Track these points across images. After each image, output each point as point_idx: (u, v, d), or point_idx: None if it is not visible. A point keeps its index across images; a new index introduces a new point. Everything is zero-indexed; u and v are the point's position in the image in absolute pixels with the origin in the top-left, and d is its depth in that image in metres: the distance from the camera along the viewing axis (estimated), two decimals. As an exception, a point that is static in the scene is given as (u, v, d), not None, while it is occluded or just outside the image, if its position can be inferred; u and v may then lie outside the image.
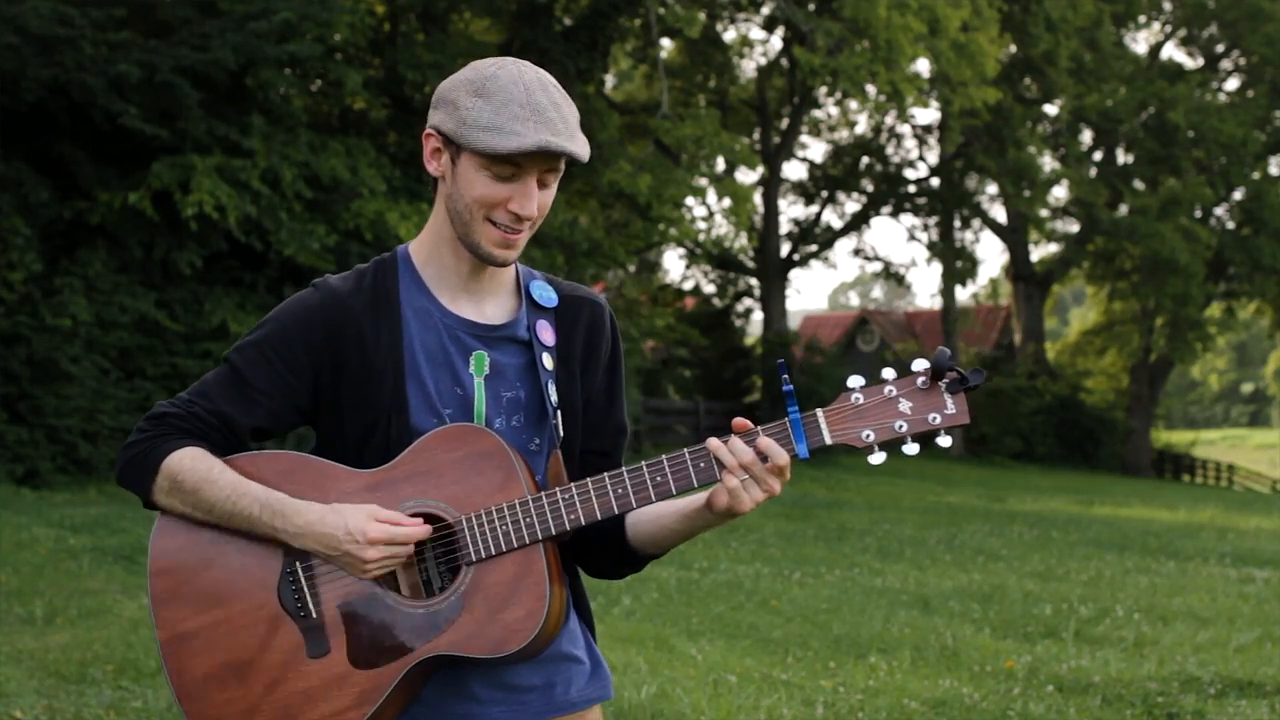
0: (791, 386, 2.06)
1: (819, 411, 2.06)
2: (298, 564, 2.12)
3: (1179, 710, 6.12)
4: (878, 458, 2.06)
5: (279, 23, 15.55)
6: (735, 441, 2.05)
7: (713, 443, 2.06)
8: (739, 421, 2.07)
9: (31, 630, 7.35)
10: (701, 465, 2.07)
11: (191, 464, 2.12)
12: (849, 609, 9.02)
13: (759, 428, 2.07)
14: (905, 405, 2.06)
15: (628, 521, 2.22)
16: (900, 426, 2.06)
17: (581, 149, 2.10)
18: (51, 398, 14.78)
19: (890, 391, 2.07)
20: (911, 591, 9.96)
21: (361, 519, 2.05)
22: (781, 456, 2.04)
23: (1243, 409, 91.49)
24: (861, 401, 2.07)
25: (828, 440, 2.06)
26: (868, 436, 2.06)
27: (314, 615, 2.11)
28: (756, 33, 32.59)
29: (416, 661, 2.08)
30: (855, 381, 2.07)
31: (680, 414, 28.97)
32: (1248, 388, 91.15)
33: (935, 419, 2.06)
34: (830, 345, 39.24)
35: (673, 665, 6.86)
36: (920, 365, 2.07)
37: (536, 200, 2.11)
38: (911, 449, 2.07)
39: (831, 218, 37.15)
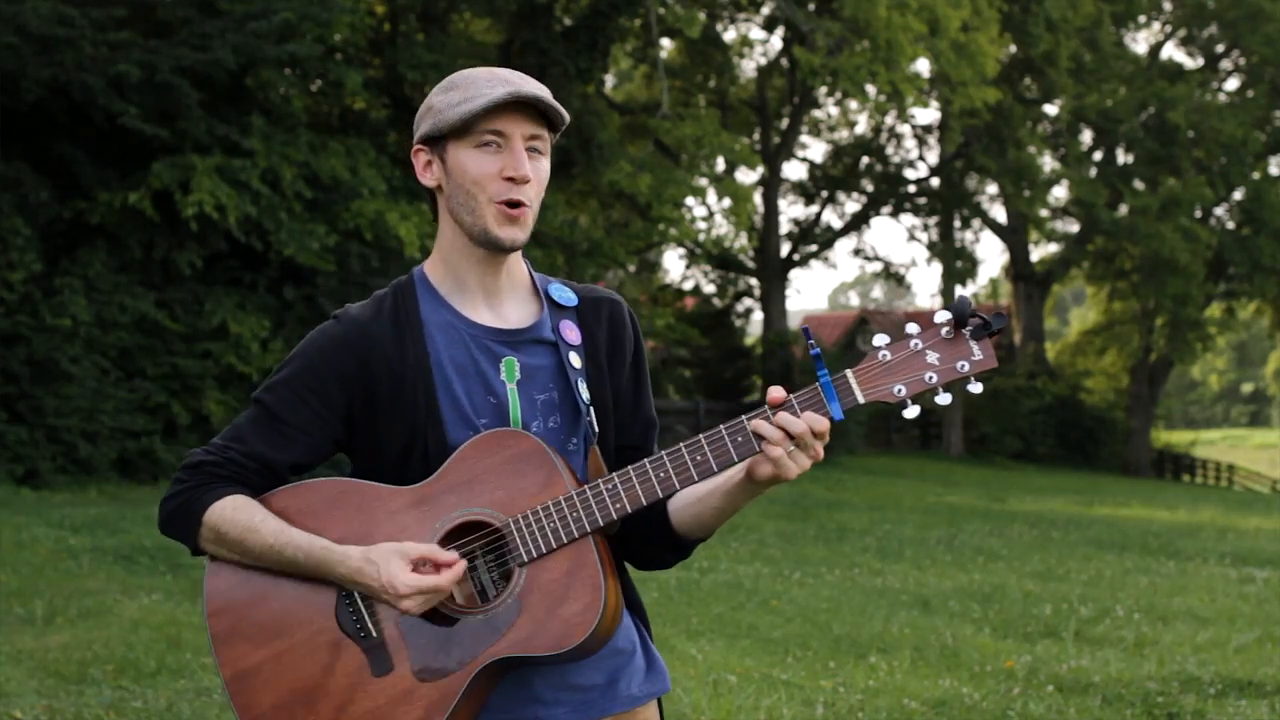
0: (819, 350, 2.07)
1: (848, 372, 2.08)
2: None
3: (1179, 710, 6.11)
4: (912, 411, 2.07)
5: (279, 23, 15.56)
6: (780, 414, 2.06)
7: (754, 420, 2.07)
8: (774, 394, 2.07)
9: (31, 630, 7.35)
10: (739, 440, 2.08)
11: (233, 514, 2.13)
12: (849, 609, 9.02)
13: (792, 396, 2.07)
14: (933, 356, 2.07)
15: (670, 508, 2.22)
16: (930, 378, 2.06)
17: (556, 104, 2.16)
18: (51, 398, 14.79)
19: (916, 344, 2.07)
20: (911, 591, 9.96)
21: (393, 571, 2.05)
22: (821, 423, 2.05)
23: (1243, 409, 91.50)
24: (889, 358, 2.07)
25: (860, 399, 2.07)
26: (899, 391, 2.06)
27: (374, 635, 2.11)
28: (756, 33, 32.63)
29: (480, 667, 2.08)
30: (881, 339, 2.08)
31: (680, 414, 28.97)
32: (1248, 388, 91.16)
33: (964, 366, 2.06)
34: (830, 345, 39.29)
35: (673, 665, 6.86)
36: (943, 315, 2.07)
37: (527, 163, 2.15)
38: (944, 399, 2.08)
39: (831, 218, 37.17)
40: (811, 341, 2.08)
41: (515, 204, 2.15)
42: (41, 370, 14.90)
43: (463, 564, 2.08)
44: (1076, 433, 35.83)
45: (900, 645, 7.59)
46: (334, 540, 2.12)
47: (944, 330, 2.07)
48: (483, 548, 2.13)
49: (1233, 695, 6.45)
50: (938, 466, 29.64)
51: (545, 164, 2.20)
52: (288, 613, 2.14)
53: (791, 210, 45.09)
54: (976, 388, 2.09)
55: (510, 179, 2.15)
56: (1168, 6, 38.23)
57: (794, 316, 44.96)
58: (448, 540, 2.12)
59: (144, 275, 16.16)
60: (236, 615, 2.15)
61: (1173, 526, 17.24)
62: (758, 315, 35.02)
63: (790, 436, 2.05)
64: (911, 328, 2.08)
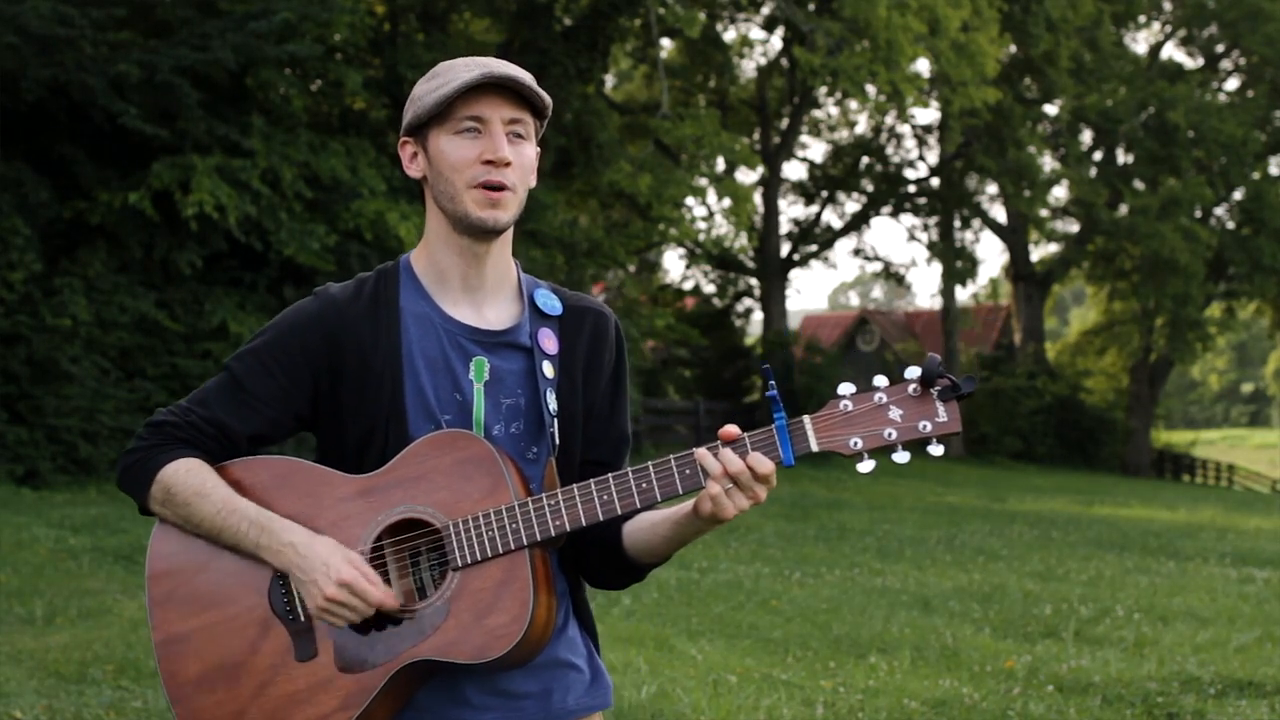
0: (776, 392, 2.04)
1: (806, 418, 2.05)
2: None
3: (1179, 710, 6.11)
4: (866, 465, 2.04)
5: (279, 23, 15.55)
6: (722, 450, 2.04)
7: (699, 451, 2.05)
8: (726, 431, 2.05)
9: (31, 630, 7.35)
10: (687, 472, 2.06)
11: (186, 477, 2.14)
12: (849, 609, 9.02)
13: (746, 435, 2.05)
14: (895, 413, 2.04)
15: (624, 531, 2.21)
16: (890, 434, 2.03)
17: (534, 85, 2.16)
18: (51, 398, 14.78)
19: (880, 399, 2.04)
20: (911, 591, 9.96)
21: (340, 558, 2.06)
22: (764, 465, 2.02)
23: (1243, 409, 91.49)
24: (851, 409, 2.04)
25: (814, 447, 2.04)
26: (855, 444, 2.03)
27: (303, 619, 2.11)
28: (756, 33, 32.63)
29: (400, 666, 2.08)
30: (846, 389, 2.05)
31: (680, 414, 28.96)
32: (1248, 388, 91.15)
33: (926, 427, 2.03)
34: (830, 345, 39.24)
35: (673, 665, 6.86)
36: (912, 373, 2.04)
37: (506, 146, 2.14)
38: (901, 457, 2.05)
39: (831, 218, 37.18)
40: (771, 383, 2.04)
41: (495, 186, 2.14)
42: (41, 370, 14.90)
43: (394, 602, 2.07)
44: (1076, 433, 35.82)
45: (900, 645, 7.59)
46: None
47: (911, 387, 2.04)
48: (427, 545, 2.12)
49: (1233, 695, 6.45)
50: (937, 466, 29.60)
51: (529, 149, 2.20)
52: (224, 585, 2.14)
53: (791, 210, 45.14)
54: (937, 450, 2.05)
55: (489, 162, 2.14)
56: (1168, 6, 38.23)
57: (794, 316, 44.95)
58: (388, 534, 2.12)
59: (144, 275, 16.16)
60: (175, 581, 2.17)
61: (1173, 526, 17.24)
62: (758, 315, 35.03)
63: (731, 475, 2.02)
64: (879, 381, 2.05)
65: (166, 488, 2.14)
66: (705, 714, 5.79)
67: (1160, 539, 14.91)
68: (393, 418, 2.15)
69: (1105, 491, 25.53)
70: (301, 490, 2.15)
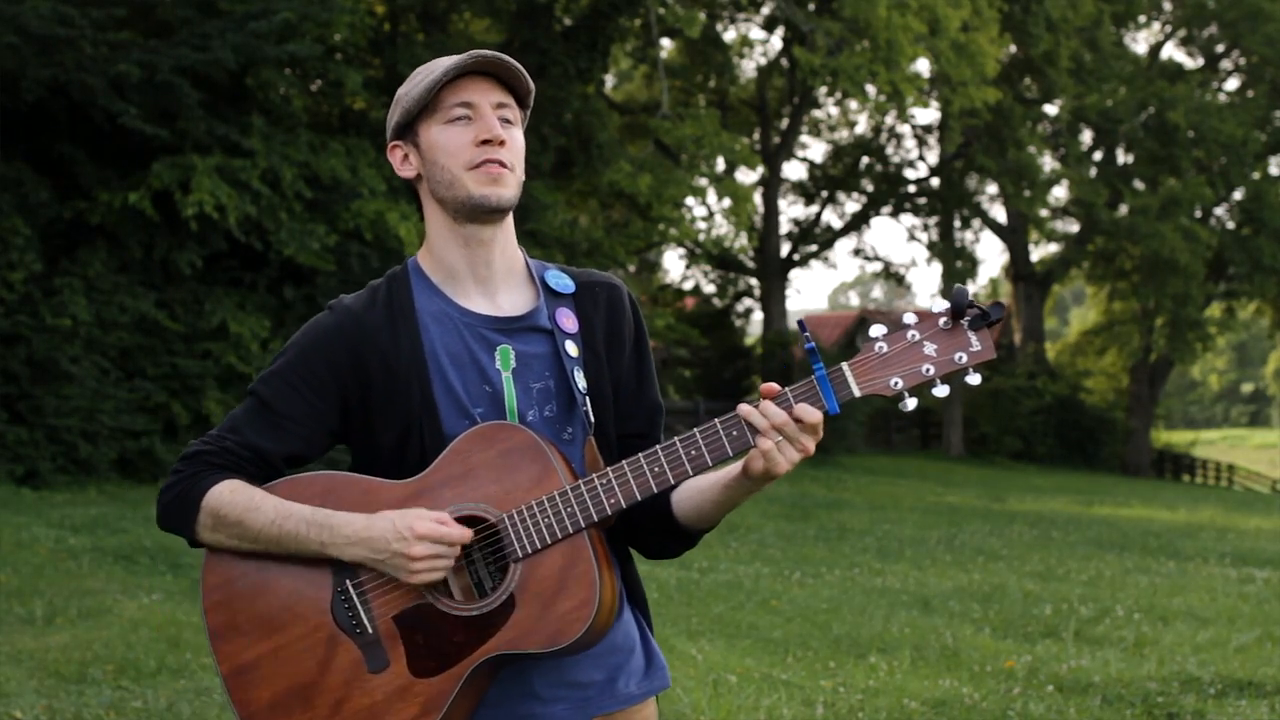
0: (814, 344, 2.04)
1: (844, 365, 2.05)
2: (348, 581, 2.12)
3: (1179, 710, 6.11)
4: (909, 404, 2.04)
5: (279, 23, 15.55)
6: (766, 405, 2.03)
7: (743, 408, 2.05)
8: (767, 387, 2.05)
9: (31, 630, 7.34)
10: (734, 433, 2.06)
11: (231, 496, 2.12)
12: (849, 609, 9.02)
13: (788, 389, 2.05)
14: (930, 348, 2.04)
15: (673, 500, 2.20)
16: (928, 370, 2.03)
17: (518, 67, 2.17)
18: (51, 398, 14.78)
19: (913, 335, 2.04)
20: (911, 591, 9.96)
21: (410, 517, 2.05)
22: (813, 415, 2.02)
23: (1243, 409, 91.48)
24: (886, 350, 2.04)
25: (856, 393, 2.04)
26: (896, 384, 2.03)
27: (370, 631, 2.11)
28: (756, 33, 32.65)
29: (476, 664, 2.07)
30: (877, 331, 2.05)
31: (680, 414, 28.98)
32: (1248, 388, 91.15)
33: (962, 357, 2.04)
34: (830, 345, 39.26)
35: (673, 665, 6.86)
36: (940, 305, 2.05)
37: (499, 126, 2.16)
38: (942, 390, 2.05)
39: (831, 218, 37.19)
40: (807, 335, 2.05)
41: (494, 163, 2.15)
42: (41, 370, 14.90)
43: (469, 532, 2.06)
44: (1076, 433, 35.82)
45: (900, 645, 7.59)
46: None
47: (941, 321, 2.04)
48: (479, 543, 2.12)
49: (1233, 695, 6.45)
50: (938, 466, 29.62)
51: (518, 134, 2.21)
52: (284, 609, 2.13)
53: (791, 210, 45.18)
54: (975, 379, 2.05)
55: (485, 142, 2.15)
56: (1168, 6, 38.23)
57: (794, 316, 44.90)
58: None
59: (144, 275, 16.16)
60: (234, 610, 2.15)
61: (1173, 526, 17.24)
62: (758, 315, 35.06)
63: (778, 428, 2.02)
64: (909, 318, 2.05)
65: (214, 511, 2.12)
66: (705, 714, 5.79)
67: (1160, 539, 14.91)
68: (426, 418, 2.15)
69: (1105, 491, 25.53)
70: (348, 502, 2.13)
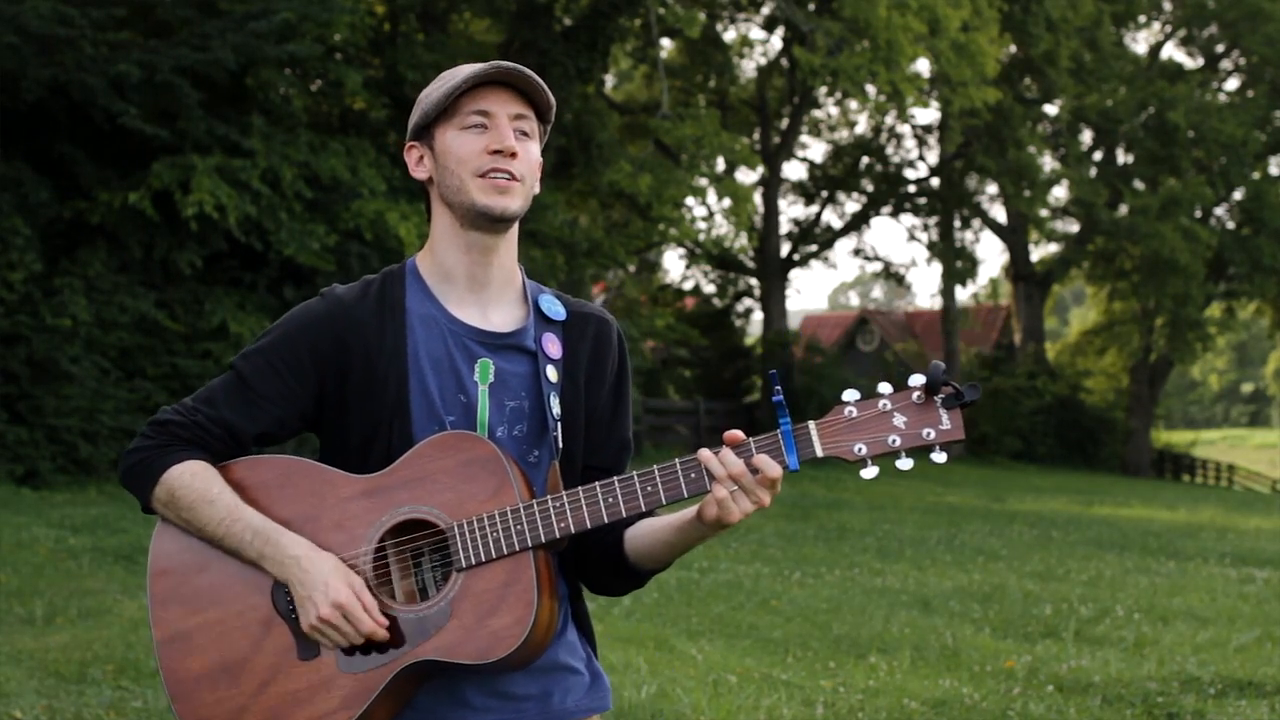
0: (782, 398, 2.06)
1: (811, 424, 2.06)
2: None
3: (1179, 710, 6.11)
4: (870, 471, 2.06)
5: (279, 23, 15.55)
6: (726, 453, 2.05)
7: (703, 453, 2.05)
8: (731, 435, 2.06)
9: (31, 630, 7.34)
10: (692, 475, 2.07)
11: (190, 480, 2.14)
12: (849, 609, 9.02)
13: (750, 440, 2.06)
14: (900, 420, 2.05)
15: (626, 536, 2.22)
16: (894, 440, 2.05)
17: (539, 81, 2.19)
18: (51, 398, 14.78)
19: (885, 405, 2.06)
20: (911, 591, 9.96)
21: (341, 580, 2.06)
22: (772, 469, 2.03)
23: (1243, 409, 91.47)
24: (855, 415, 2.06)
25: (819, 453, 2.06)
26: (860, 450, 2.05)
27: None
28: (756, 33, 32.61)
29: (402, 666, 2.08)
30: (850, 395, 2.07)
31: (680, 414, 28.98)
32: (1248, 388, 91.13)
33: (930, 434, 2.05)
34: (830, 345, 39.26)
35: (673, 665, 6.86)
36: (916, 380, 2.06)
37: (513, 137, 2.17)
38: (905, 464, 2.06)
39: (831, 218, 37.16)
40: (777, 388, 2.05)
41: (502, 175, 2.16)
42: (41, 370, 14.90)
43: (384, 634, 2.07)
44: (1076, 433, 35.81)
45: (900, 645, 7.59)
46: (280, 520, 2.13)
47: (915, 395, 2.05)
48: (430, 546, 2.13)
49: (1233, 695, 6.45)
50: (938, 467, 29.48)
51: (534, 148, 2.22)
52: (227, 584, 2.14)
53: (791, 210, 45.08)
54: (940, 457, 2.06)
55: (496, 152, 2.16)
56: (1168, 6, 38.22)
57: (794, 317, 44.95)
58: (391, 534, 2.13)
59: (144, 275, 16.16)
60: (177, 579, 2.16)
61: (1173, 526, 17.24)
62: (758, 315, 35.02)
63: (734, 478, 2.03)
64: (884, 388, 2.07)
65: (171, 490, 2.14)
66: (705, 714, 5.79)
67: (1160, 539, 14.91)
68: (397, 418, 2.16)
69: (1105, 491, 25.53)
70: (305, 490, 2.15)
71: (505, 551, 2.07)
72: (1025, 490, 24.16)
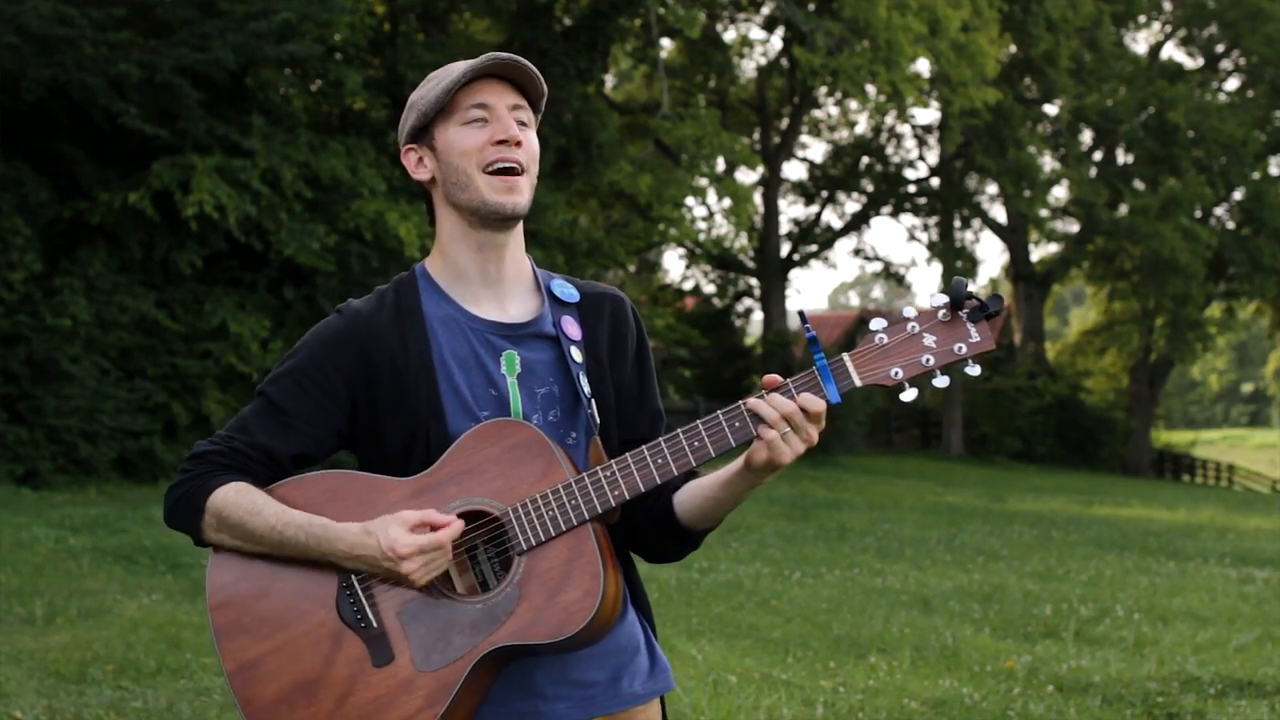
0: (814, 333, 2.08)
1: (845, 356, 2.09)
2: (353, 577, 2.13)
3: (1179, 710, 6.11)
4: (909, 394, 2.08)
5: (279, 23, 15.55)
6: (774, 396, 2.06)
7: (751, 401, 2.07)
8: (769, 379, 2.08)
9: (31, 630, 7.35)
10: (737, 424, 2.09)
11: (235, 498, 2.14)
12: (849, 609, 9.02)
13: (789, 380, 2.08)
14: (930, 339, 2.09)
15: (675, 500, 2.23)
16: (927, 360, 2.08)
17: (532, 69, 2.20)
18: (51, 398, 14.78)
19: (913, 327, 2.09)
20: (911, 591, 9.96)
21: (392, 535, 2.05)
22: (815, 405, 2.05)
23: (1243, 409, 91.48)
24: (886, 341, 2.09)
25: (857, 382, 2.08)
26: (896, 374, 2.08)
27: (374, 625, 2.12)
28: (756, 33, 32.62)
29: (480, 656, 2.08)
30: (878, 323, 2.09)
31: (680, 414, 28.95)
32: (1248, 388, 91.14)
33: (961, 348, 2.08)
34: (830, 345, 39.25)
35: (673, 665, 6.84)
36: (939, 298, 2.09)
37: (515, 126, 2.19)
38: (941, 381, 2.09)
39: (831, 218, 37.17)
40: (807, 325, 2.08)
41: (509, 170, 2.18)
42: (41, 370, 14.90)
43: (460, 523, 2.08)
44: (1076, 433, 35.81)
45: (900, 645, 7.59)
46: None
47: (940, 313, 2.09)
48: (483, 537, 2.13)
49: (1233, 695, 6.45)
50: (938, 466, 29.61)
51: (533, 136, 2.23)
52: (289, 605, 2.14)
53: (791, 210, 45.09)
54: (974, 370, 2.10)
55: (501, 142, 2.18)
56: (1168, 6, 38.22)
57: (794, 317, 44.93)
58: None
59: (144, 275, 16.16)
60: (239, 609, 2.16)
61: (1173, 526, 17.24)
62: (758, 315, 35.05)
63: (785, 418, 2.05)
64: (909, 311, 2.10)
65: (217, 512, 2.14)
66: (705, 714, 5.79)
67: (1160, 539, 14.90)
68: (433, 420, 2.17)
69: (1105, 491, 25.52)
70: (354, 500, 2.15)
71: (564, 527, 2.08)
72: (1025, 490, 24.15)
